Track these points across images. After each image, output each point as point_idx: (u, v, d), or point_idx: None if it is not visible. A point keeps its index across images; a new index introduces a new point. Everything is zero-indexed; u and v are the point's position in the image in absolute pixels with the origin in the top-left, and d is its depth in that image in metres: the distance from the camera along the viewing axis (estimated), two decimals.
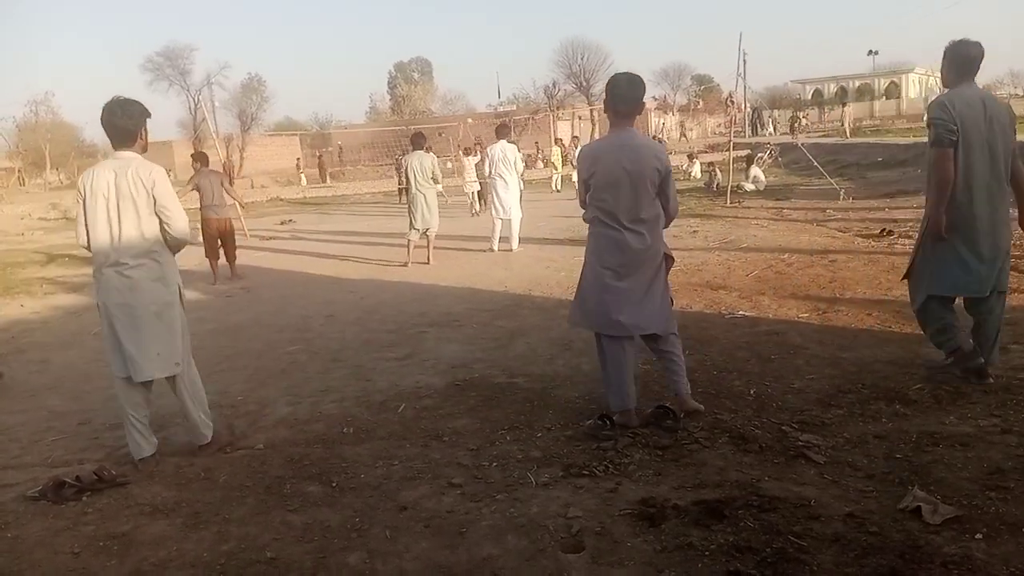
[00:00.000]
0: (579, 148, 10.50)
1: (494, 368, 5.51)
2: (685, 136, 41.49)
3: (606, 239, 4.19)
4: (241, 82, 57.78)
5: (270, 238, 15.75)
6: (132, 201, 3.97)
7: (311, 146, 51.19)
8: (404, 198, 13.40)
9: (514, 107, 57.85)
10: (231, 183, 17.15)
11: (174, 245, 4.17)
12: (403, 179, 10.84)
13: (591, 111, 54.36)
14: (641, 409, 4.25)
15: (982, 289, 4.44)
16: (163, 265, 4.11)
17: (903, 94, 64.81)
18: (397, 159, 21.33)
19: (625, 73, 4.21)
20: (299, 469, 3.94)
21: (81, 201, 4.00)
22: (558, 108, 53.83)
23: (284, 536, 3.25)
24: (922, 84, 68.82)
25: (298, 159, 43.34)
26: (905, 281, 4.88)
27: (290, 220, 19.73)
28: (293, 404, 5.05)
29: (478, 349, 6.07)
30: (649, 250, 4.16)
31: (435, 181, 10.90)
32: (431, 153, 12.09)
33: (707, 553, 2.85)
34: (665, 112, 60.95)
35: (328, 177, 38.14)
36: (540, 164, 30.77)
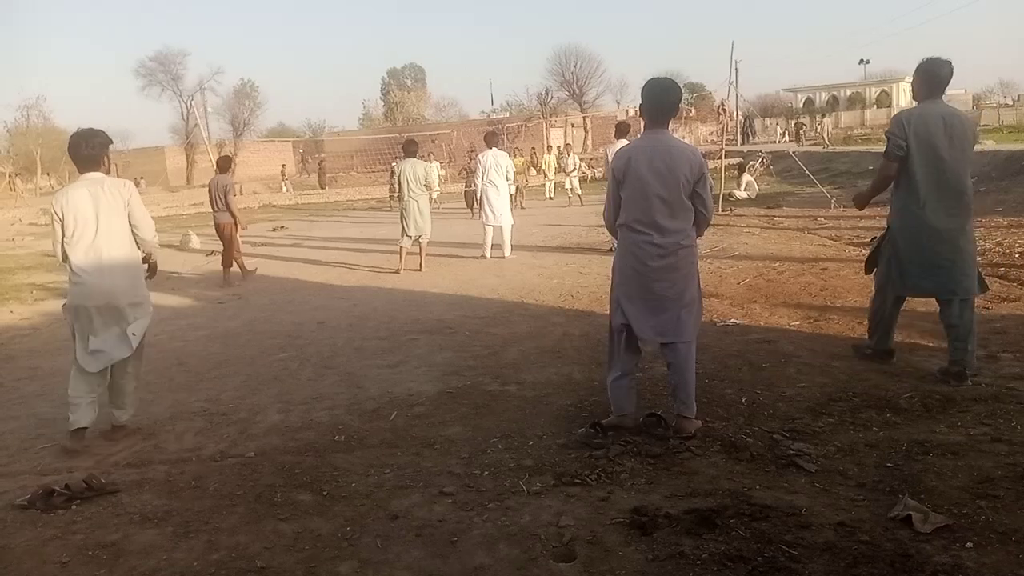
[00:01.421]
0: (611, 151, 10.49)
1: (486, 376, 5.51)
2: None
3: (634, 243, 4.15)
4: (234, 88, 57.92)
5: (262, 244, 15.71)
6: (109, 212, 4.53)
7: (305, 152, 51.16)
8: (394, 204, 13.60)
9: (507, 114, 57.96)
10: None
11: (145, 248, 4.76)
12: (395, 186, 10.86)
13: (584, 118, 54.59)
14: (635, 415, 4.26)
15: (939, 292, 4.79)
16: (136, 265, 4.72)
17: (894, 103, 65.18)
18: (392, 166, 21.41)
19: (661, 78, 4.21)
20: (290, 477, 3.93)
21: (59, 220, 4.51)
22: (551, 115, 53.98)
23: (275, 545, 3.24)
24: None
25: (283, 165, 43.04)
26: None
27: (282, 227, 19.70)
28: (284, 411, 5.03)
29: (470, 356, 6.06)
30: (679, 254, 4.10)
31: (429, 188, 10.92)
32: (434, 161, 12.09)
33: (699, 562, 2.85)
34: None
35: (324, 183, 38.06)
36: (532, 172, 30.79)
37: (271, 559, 3.12)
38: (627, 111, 57.88)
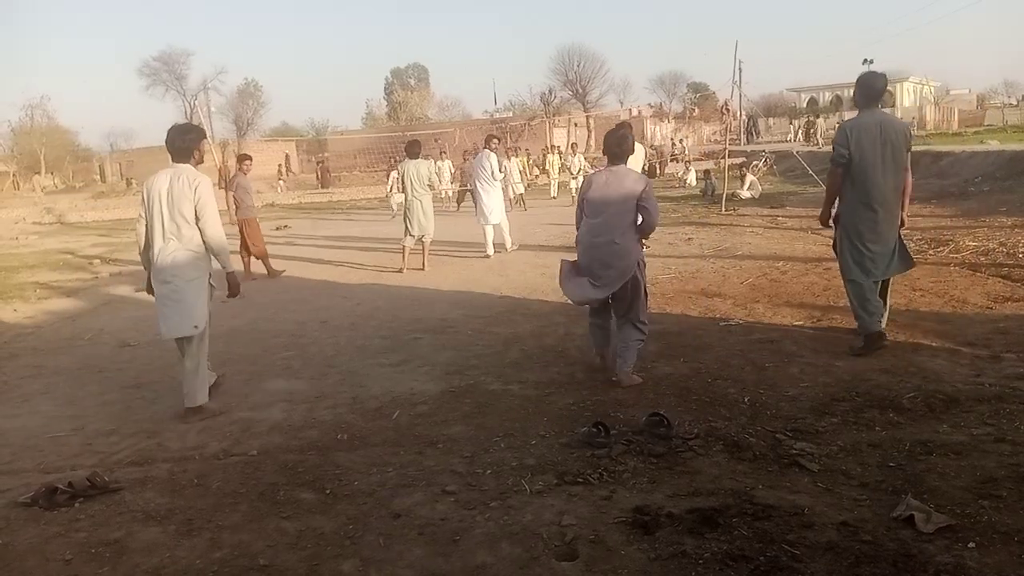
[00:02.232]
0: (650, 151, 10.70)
1: (489, 375, 5.51)
2: (675, 146, 41.38)
3: None
4: (237, 87, 57.99)
5: (265, 243, 15.70)
6: (180, 199, 5.00)
7: (307, 151, 51.18)
8: (391, 202, 13.99)
9: (510, 114, 57.95)
10: (226, 188, 17.20)
11: (209, 245, 5.12)
12: (400, 186, 10.91)
13: (587, 118, 54.54)
14: (635, 417, 4.26)
15: (881, 274, 5.58)
16: (201, 251, 5.11)
17: (898, 102, 65.11)
18: (390, 168, 21.52)
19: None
20: (293, 476, 3.93)
21: (143, 203, 5.10)
22: (554, 115, 53.97)
23: (277, 543, 3.24)
24: (916, 93, 69.19)
25: (280, 165, 42.96)
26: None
27: (285, 225, 19.71)
28: (287, 410, 5.04)
29: (473, 356, 6.06)
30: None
31: (431, 188, 10.94)
32: (446, 160, 12.15)
33: (701, 561, 2.85)
34: (660, 120, 61.10)
35: (328, 183, 38.08)
36: (535, 171, 30.79)
37: (274, 557, 3.13)
38: (630, 111, 57.93)
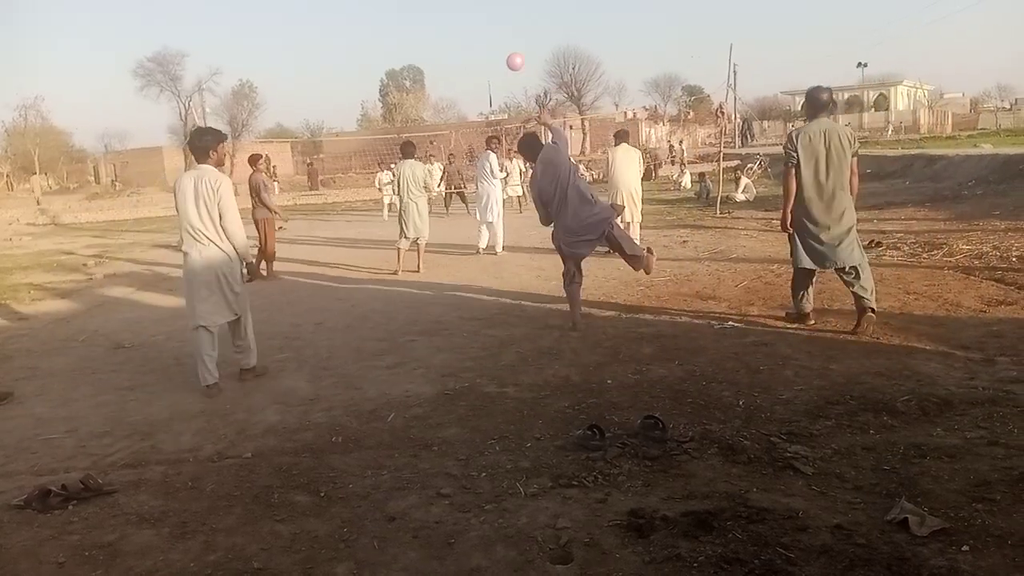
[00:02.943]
0: (611, 154, 11.16)
1: (484, 377, 5.51)
2: (672, 149, 41.34)
3: None
4: (232, 88, 57.80)
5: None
6: (205, 198, 5.43)
7: (302, 153, 51.12)
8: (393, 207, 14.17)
9: (505, 116, 57.96)
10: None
11: (233, 241, 5.61)
12: (395, 188, 10.92)
13: (582, 120, 54.59)
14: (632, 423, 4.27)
15: (827, 264, 6.11)
16: (224, 244, 5.58)
17: (892, 106, 65.32)
18: (378, 176, 21.50)
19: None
20: (287, 478, 3.93)
21: (175, 199, 5.57)
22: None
23: (272, 546, 3.24)
24: (911, 96, 69.43)
25: (274, 166, 42.77)
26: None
27: (280, 227, 19.66)
28: (282, 412, 5.03)
29: (468, 358, 6.06)
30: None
31: (427, 189, 10.94)
32: (435, 163, 12.28)
33: (695, 564, 2.86)
34: (655, 122, 61.23)
35: (319, 184, 38.02)
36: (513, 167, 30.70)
37: (268, 560, 3.12)
38: (625, 113, 57.99)
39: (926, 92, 70.26)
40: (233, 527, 3.43)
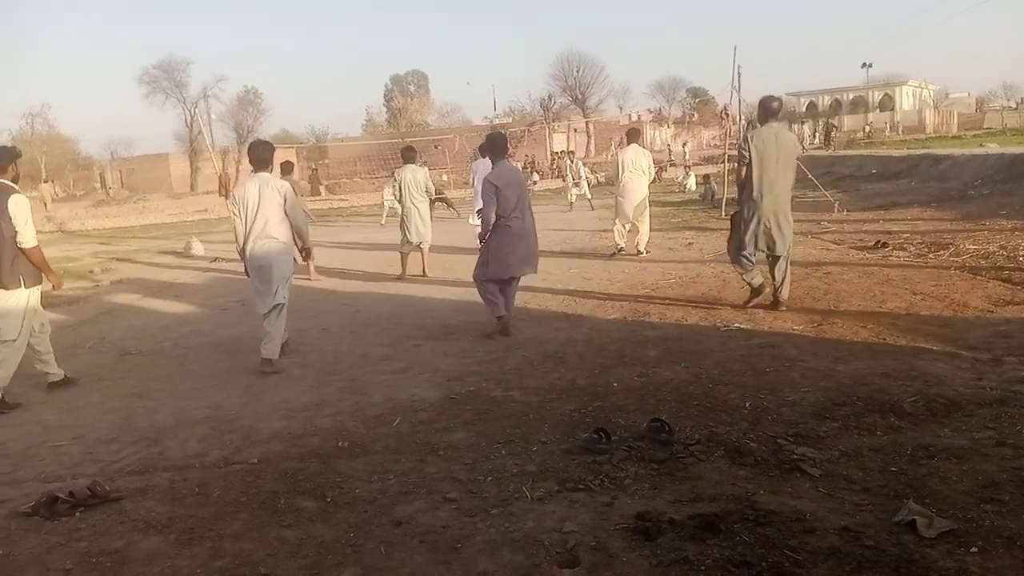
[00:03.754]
0: (623, 155, 11.39)
1: (489, 381, 5.51)
2: (671, 154, 41.28)
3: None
4: (237, 95, 58.04)
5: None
6: (270, 202, 6.29)
7: (307, 158, 51.23)
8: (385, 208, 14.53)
9: (510, 119, 58.02)
10: (227, 196, 17.22)
11: (297, 233, 6.60)
12: (397, 193, 10.92)
13: (586, 123, 54.62)
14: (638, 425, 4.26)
15: (766, 252, 7.00)
16: (287, 241, 6.46)
17: (897, 106, 65.17)
18: (384, 189, 21.61)
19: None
20: (294, 484, 3.93)
21: (236, 206, 6.35)
22: (554, 120, 54.03)
23: (278, 552, 3.24)
24: (916, 96, 69.27)
25: (222, 167, 42.60)
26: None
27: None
28: (288, 418, 5.04)
29: (473, 362, 6.06)
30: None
31: (428, 194, 10.95)
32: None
33: (703, 567, 2.85)
34: (660, 125, 61.22)
35: (323, 190, 38.10)
36: (536, 176, 30.79)
37: (275, 566, 3.12)
38: (630, 116, 58.01)
39: (931, 92, 70.07)
40: (240, 533, 3.44)
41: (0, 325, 5.70)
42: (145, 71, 53.76)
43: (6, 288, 5.67)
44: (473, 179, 12.95)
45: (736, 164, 7.19)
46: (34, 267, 5.81)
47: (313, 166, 45.53)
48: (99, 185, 57.39)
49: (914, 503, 3.16)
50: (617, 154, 12.03)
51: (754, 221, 6.88)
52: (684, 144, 43.47)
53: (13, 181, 5.84)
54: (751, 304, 7.21)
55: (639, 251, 11.23)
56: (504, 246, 6.79)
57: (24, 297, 5.77)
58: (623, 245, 11.39)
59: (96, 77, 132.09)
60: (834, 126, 41.51)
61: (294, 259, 6.63)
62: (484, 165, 12.51)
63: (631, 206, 11.11)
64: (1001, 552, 2.81)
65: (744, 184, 6.98)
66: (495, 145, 7.10)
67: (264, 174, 6.42)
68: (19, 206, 5.69)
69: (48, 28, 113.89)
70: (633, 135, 11.93)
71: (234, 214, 6.38)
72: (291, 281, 6.55)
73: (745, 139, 7.02)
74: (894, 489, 3.39)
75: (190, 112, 53.13)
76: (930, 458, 3.69)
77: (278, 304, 6.35)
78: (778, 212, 6.86)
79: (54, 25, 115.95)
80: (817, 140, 46.03)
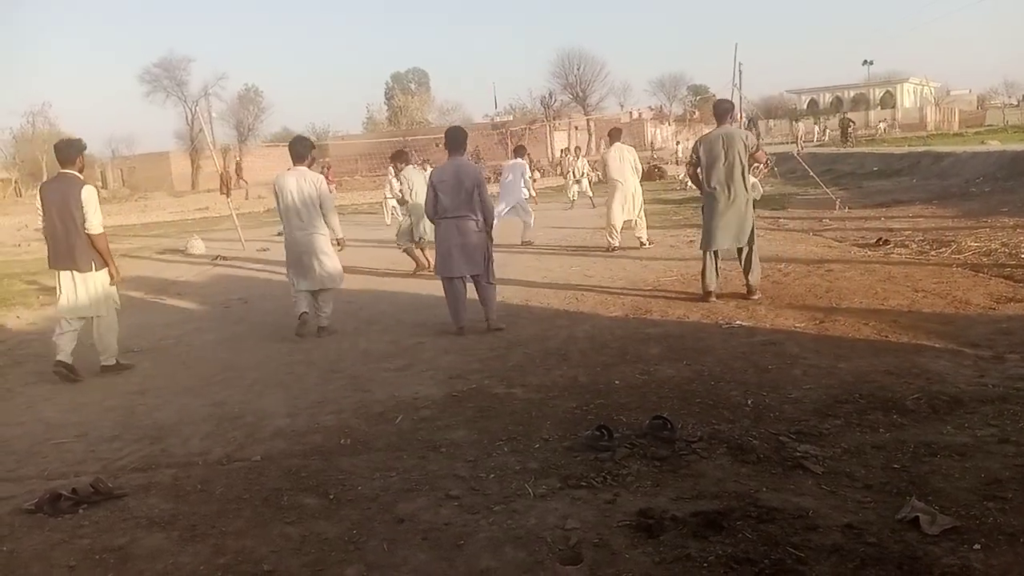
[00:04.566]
0: (609, 156, 11.78)
1: (492, 379, 5.51)
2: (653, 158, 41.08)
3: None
4: (238, 93, 58.02)
5: (265, 249, 15.69)
6: (305, 193, 7.10)
7: (316, 156, 51.13)
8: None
9: (511, 117, 57.96)
10: (227, 194, 17.18)
11: (329, 225, 7.33)
12: (408, 191, 11.08)
13: (587, 121, 54.58)
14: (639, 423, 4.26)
15: (728, 244, 7.43)
16: (321, 229, 7.29)
17: (898, 103, 65.11)
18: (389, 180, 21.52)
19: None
20: (296, 481, 3.93)
21: (276, 195, 7.24)
22: (555, 118, 53.97)
23: (281, 548, 3.24)
24: (917, 94, 69.19)
25: (237, 162, 41.93)
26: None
27: (279, 233, 19.67)
28: (291, 415, 5.04)
29: (476, 359, 6.06)
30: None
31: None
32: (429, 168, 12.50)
33: (705, 564, 2.85)
34: (661, 122, 61.18)
35: (334, 188, 38.01)
36: (537, 174, 30.75)
37: (278, 562, 3.12)
38: (631, 113, 57.95)
39: (932, 89, 69.97)
40: (243, 530, 3.44)
41: (91, 303, 6.37)
42: (146, 70, 53.81)
43: (82, 271, 6.29)
44: (504, 177, 13.83)
45: (687, 168, 8.03)
46: (98, 254, 6.34)
47: (327, 163, 45.49)
48: (100, 183, 57.41)
49: (917, 500, 3.16)
50: (603, 155, 12.32)
51: (711, 218, 7.42)
52: (677, 143, 43.33)
53: (79, 172, 6.35)
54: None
55: (641, 243, 11.39)
56: (440, 245, 7.09)
57: (101, 277, 6.41)
58: (617, 243, 11.53)
59: (97, 76, 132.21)
60: (851, 121, 40.09)
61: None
62: (516, 164, 13.63)
63: (619, 206, 11.37)
64: (1004, 549, 2.81)
65: (696, 184, 7.78)
66: (450, 139, 7.13)
67: (301, 167, 7.23)
68: (91, 196, 6.26)
69: (48, 28, 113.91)
70: (615, 134, 12.07)
71: (278, 206, 7.30)
72: (336, 264, 7.32)
73: (696, 144, 7.71)
74: (897, 486, 3.39)
75: (191, 110, 53.13)
76: (933, 455, 3.69)
77: (326, 288, 7.30)
78: (731, 208, 7.36)
79: (54, 25, 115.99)
80: (827, 137, 45.47)
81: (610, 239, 11.48)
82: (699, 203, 19.62)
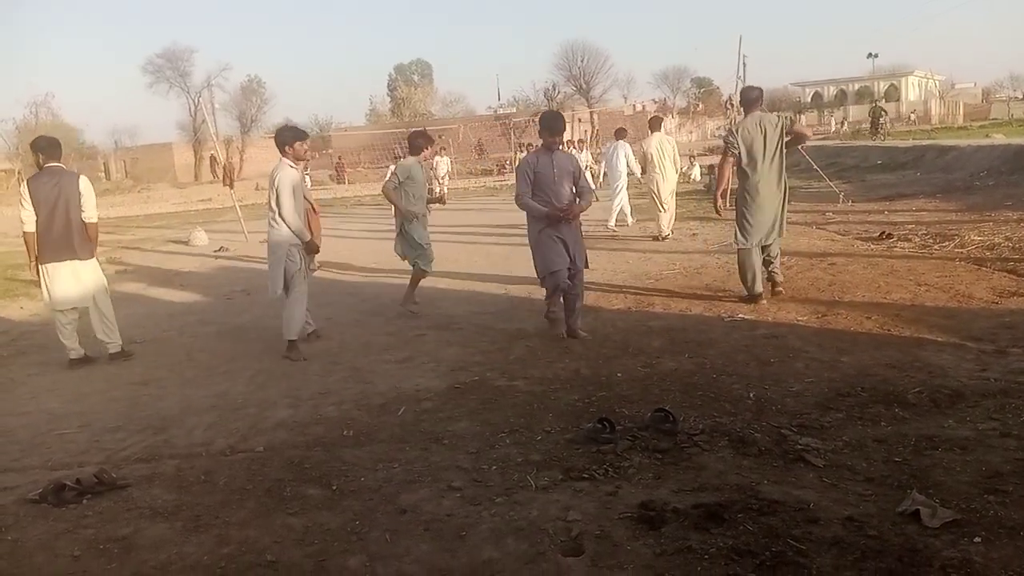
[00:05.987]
0: (647, 145, 11.75)
1: (494, 371, 5.52)
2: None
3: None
4: (241, 84, 57.95)
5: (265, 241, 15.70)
6: (300, 187, 6.66)
7: (311, 148, 51.15)
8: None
9: (514, 109, 57.86)
10: (230, 185, 17.13)
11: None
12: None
13: (591, 113, 54.45)
14: (640, 416, 4.26)
15: (767, 238, 6.97)
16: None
17: (903, 96, 64.87)
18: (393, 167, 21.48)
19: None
20: (299, 472, 3.95)
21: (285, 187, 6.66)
22: (558, 110, 53.74)
23: (284, 539, 3.26)
24: (921, 87, 68.93)
25: (226, 156, 41.96)
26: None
27: None
28: (293, 407, 5.06)
29: (478, 352, 6.07)
30: None
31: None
32: (444, 156, 12.43)
33: (706, 556, 2.86)
34: (665, 115, 60.97)
35: (347, 180, 37.94)
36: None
37: (281, 553, 3.14)
38: (634, 106, 57.78)
39: (937, 82, 69.74)
40: (246, 520, 3.46)
41: (87, 292, 6.55)
42: (149, 60, 53.81)
43: (84, 259, 6.50)
44: (611, 158, 13.46)
45: (723, 158, 7.31)
46: (90, 241, 6.54)
47: (339, 157, 45.36)
48: (103, 174, 57.44)
49: (918, 493, 3.17)
50: (642, 145, 12.06)
51: (751, 210, 6.91)
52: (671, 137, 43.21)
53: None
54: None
55: (663, 235, 11.52)
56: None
57: (94, 265, 6.63)
58: (669, 232, 11.64)
59: (100, 66, 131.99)
60: (883, 111, 34.32)
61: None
62: (620, 145, 13.27)
63: (666, 194, 11.48)
64: (1004, 542, 2.82)
65: (724, 177, 7.30)
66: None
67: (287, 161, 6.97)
68: (89, 186, 6.62)
69: (50, 23, 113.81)
70: (655, 123, 11.94)
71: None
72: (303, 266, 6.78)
73: (731, 132, 7.12)
74: (898, 479, 3.39)
75: (194, 101, 53.11)
76: (934, 449, 3.69)
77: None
78: (775, 197, 6.95)
79: (55, 23, 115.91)
80: (846, 127, 44.03)
81: (663, 228, 11.61)
82: (702, 195, 19.51)
